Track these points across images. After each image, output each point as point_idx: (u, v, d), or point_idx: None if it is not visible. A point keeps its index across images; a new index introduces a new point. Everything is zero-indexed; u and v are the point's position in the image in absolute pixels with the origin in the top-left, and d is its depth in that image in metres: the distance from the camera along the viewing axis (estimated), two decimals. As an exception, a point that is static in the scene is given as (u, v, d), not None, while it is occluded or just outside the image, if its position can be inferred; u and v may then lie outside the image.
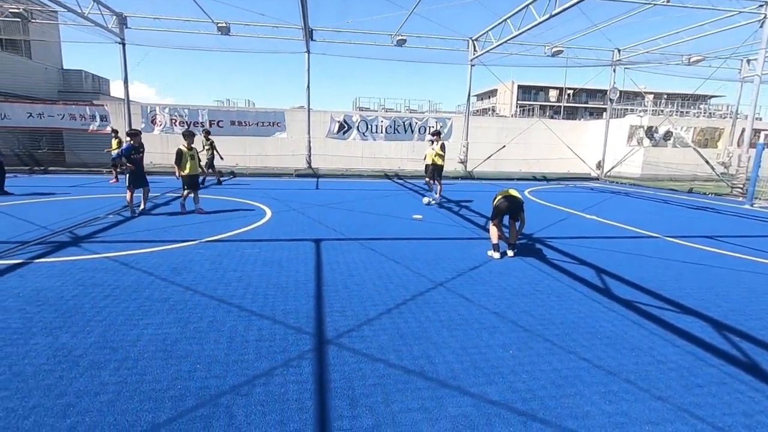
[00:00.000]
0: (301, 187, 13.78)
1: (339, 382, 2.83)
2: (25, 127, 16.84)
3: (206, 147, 12.71)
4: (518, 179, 18.44)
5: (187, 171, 8.45)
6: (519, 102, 55.50)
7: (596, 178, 20.04)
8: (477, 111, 57.34)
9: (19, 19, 15.88)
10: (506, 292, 4.59)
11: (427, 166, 10.99)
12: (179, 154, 8.43)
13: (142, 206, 8.49)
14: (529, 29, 13.12)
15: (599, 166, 20.43)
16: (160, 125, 17.03)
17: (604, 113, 20.50)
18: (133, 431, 2.30)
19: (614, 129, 20.46)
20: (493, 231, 6.00)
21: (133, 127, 8.03)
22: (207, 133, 13.26)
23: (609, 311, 4.16)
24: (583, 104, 57.85)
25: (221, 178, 14.10)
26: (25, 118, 16.49)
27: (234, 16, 15.63)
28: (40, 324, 3.50)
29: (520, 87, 56.74)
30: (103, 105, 17.49)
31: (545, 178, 19.02)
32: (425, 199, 10.95)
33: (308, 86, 17.08)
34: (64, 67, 24.23)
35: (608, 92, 19.46)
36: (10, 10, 15.41)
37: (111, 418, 2.39)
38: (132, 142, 8.25)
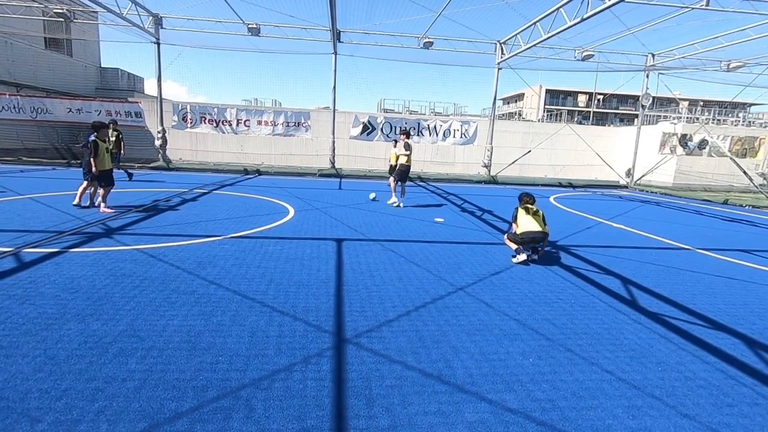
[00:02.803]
0: (325, 187, 13.91)
1: (357, 382, 2.84)
2: (65, 122, 17.58)
3: (112, 139, 11.42)
4: (543, 185, 18.11)
5: (103, 166, 7.79)
6: (546, 106, 54.50)
7: (625, 186, 19.48)
8: (503, 115, 56.67)
9: (62, 19, 16.63)
10: (528, 299, 4.52)
11: (391, 166, 11.03)
12: (96, 147, 7.67)
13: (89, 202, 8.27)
14: (559, 33, 12.89)
15: (629, 173, 19.85)
16: (191, 123, 17.52)
17: (636, 119, 19.91)
18: (157, 418, 2.38)
19: (646, 136, 19.85)
20: (511, 245, 6.06)
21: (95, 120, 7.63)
22: (114, 123, 12.11)
23: (635, 323, 4.04)
24: (614, 110, 56.38)
25: (129, 171, 13.20)
26: (65, 114, 17.23)
27: (264, 18, 15.97)
28: (73, 311, 3.66)
29: (547, 91, 55.76)
30: (137, 102, 18.12)
31: (571, 185, 18.62)
32: (371, 195, 11.41)
33: (334, 87, 17.25)
34: (102, 65, 25.27)
35: (640, 98, 18.90)
36: (55, 11, 16.16)
37: (137, 405, 2.48)
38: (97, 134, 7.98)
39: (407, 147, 10.07)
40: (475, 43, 17.28)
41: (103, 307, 3.75)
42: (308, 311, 3.92)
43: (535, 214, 6.06)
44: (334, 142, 17.60)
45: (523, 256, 5.84)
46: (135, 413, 2.41)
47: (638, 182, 19.61)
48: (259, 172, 17.03)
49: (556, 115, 47.92)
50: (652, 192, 17.83)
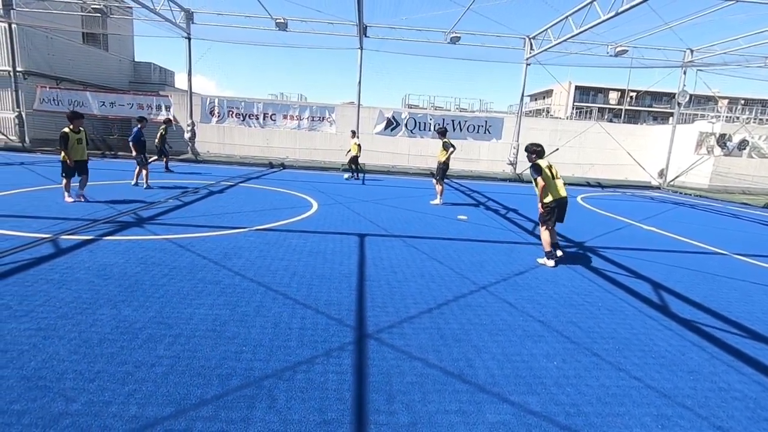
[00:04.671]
0: (348, 182, 13.97)
1: (377, 377, 2.85)
2: (99, 115, 18.22)
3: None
4: (570, 184, 17.64)
5: (75, 156, 7.80)
6: (575, 103, 53.09)
7: (657, 187, 18.80)
8: (530, 112, 55.53)
9: (99, 15, 17.21)
10: (553, 301, 4.42)
11: (353, 157, 14.10)
12: (65, 138, 7.61)
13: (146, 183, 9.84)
14: (592, 27, 12.49)
15: (662, 174, 19.14)
16: (219, 116, 17.88)
17: (671, 118, 19.16)
18: (183, 404, 2.44)
19: (681, 135, 19.07)
20: (546, 236, 5.72)
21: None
22: (170, 120, 14.19)
23: (665, 329, 3.90)
24: (647, 108, 54.40)
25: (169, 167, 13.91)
26: (99, 107, 17.87)
27: (292, 12, 16.06)
28: (106, 297, 3.80)
29: (577, 88, 54.27)
30: (168, 96, 18.61)
31: (600, 185, 18.10)
32: (346, 175, 14.47)
33: (359, 82, 17.27)
34: (136, 60, 26.07)
35: (676, 96, 18.15)
36: (93, 6, 16.73)
37: (164, 390, 2.55)
38: (140, 127, 9.87)
39: (445, 146, 9.94)
40: (503, 38, 16.94)
41: (133, 294, 3.88)
42: (330, 305, 3.95)
43: (557, 172, 5.79)
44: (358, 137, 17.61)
45: (551, 262, 5.64)
46: (163, 398, 2.48)
47: (672, 183, 18.89)
48: (283, 166, 17.25)
49: (586, 112, 46.61)
50: (686, 194, 17.15)
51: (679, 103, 18.32)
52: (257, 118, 17.88)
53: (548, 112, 52.18)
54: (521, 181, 17.48)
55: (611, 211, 11.02)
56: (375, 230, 7.07)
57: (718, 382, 3.07)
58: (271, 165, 17.27)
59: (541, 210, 5.74)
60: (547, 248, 5.71)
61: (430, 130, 17.50)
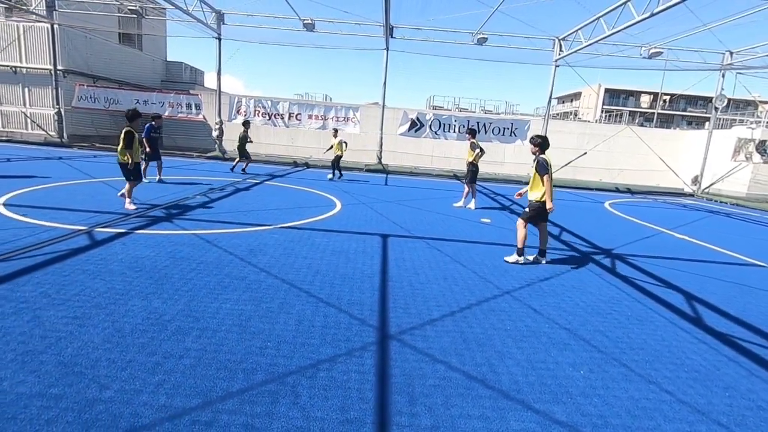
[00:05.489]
0: (370, 182, 14.01)
1: (399, 378, 2.84)
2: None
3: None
4: (597, 189, 17.22)
5: (135, 158, 7.18)
6: (605, 106, 51.72)
7: (690, 195, 18.11)
8: (557, 114, 54.45)
9: (134, 16, 17.83)
10: (579, 308, 4.31)
11: (337, 156, 13.63)
12: (131, 138, 7.03)
13: (158, 176, 10.09)
14: (625, 28, 12.13)
15: (695, 181, 18.43)
16: (244, 115, 18.22)
17: (707, 123, 18.43)
18: (210, 395, 2.50)
19: (718, 141, 18.32)
20: (522, 233, 5.72)
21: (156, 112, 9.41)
22: (247, 124, 14.09)
23: (699, 343, 3.75)
24: (681, 112, 52.50)
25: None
26: (132, 104, 18.47)
27: (319, 13, 16.23)
28: (138, 288, 3.92)
29: (607, 90, 52.87)
30: (197, 95, 19.10)
31: (629, 191, 17.57)
32: (329, 175, 13.84)
33: (384, 83, 17.28)
34: (168, 59, 26.87)
35: (714, 100, 17.45)
36: (129, 8, 17.34)
37: (192, 381, 2.62)
38: (154, 123, 9.80)
39: (473, 146, 9.80)
40: (531, 39, 16.65)
41: (163, 287, 4.00)
42: (353, 304, 3.96)
43: None
44: (381, 138, 17.66)
45: (522, 260, 5.70)
46: (190, 389, 2.54)
47: (706, 191, 18.17)
48: (307, 165, 17.44)
49: (616, 115, 45.37)
50: (721, 202, 16.45)
51: (716, 108, 17.60)
52: (282, 118, 18.14)
53: (576, 115, 51.04)
54: (547, 185, 17.13)
55: (641, 218, 10.68)
56: (398, 231, 7.07)
57: (757, 400, 2.93)
58: (295, 164, 17.50)
59: (550, 207, 5.64)
60: (521, 245, 5.70)
61: (454, 131, 17.38)
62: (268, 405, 2.46)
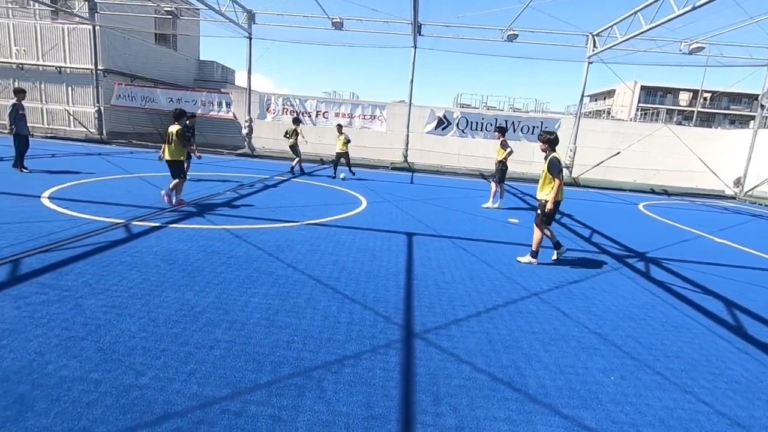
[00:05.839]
0: (396, 180, 14.01)
1: (424, 377, 2.83)
2: (167, 110, 19.43)
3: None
4: (631, 190, 16.62)
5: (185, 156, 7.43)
6: (640, 104, 49.87)
7: (732, 197, 17.23)
8: (589, 113, 52.89)
9: (170, 17, 18.41)
10: (611, 313, 4.18)
11: (337, 153, 12.95)
12: (185, 136, 7.28)
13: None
14: (664, 23, 11.64)
15: (738, 183, 17.52)
16: (274, 113, 18.54)
17: (752, 122, 17.46)
18: (238, 386, 2.56)
19: (763, 141, 17.34)
20: (540, 237, 5.63)
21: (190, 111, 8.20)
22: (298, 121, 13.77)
23: (740, 353, 3.57)
24: (723, 110, 50.00)
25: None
26: (167, 103, 19.10)
27: (348, 12, 16.31)
28: (171, 280, 4.06)
29: (643, 88, 50.96)
30: (229, 93, 19.56)
31: (666, 192, 16.88)
32: (341, 175, 12.74)
33: (411, 81, 17.22)
34: (201, 59, 27.65)
35: (760, 97, 16.52)
36: (165, 9, 17.93)
37: (221, 372, 2.69)
38: (188, 122, 8.70)
39: (503, 144, 9.59)
40: (564, 35, 16.22)
41: (195, 279, 4.12)
42: (378, 302, 3.98)
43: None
44: (408, 136, 17.61)
45: (536, 261, 5.62)
46: (220, 379, 2.62)
47: (749, 193, 17.24)
48: (325, 162, 17.58)
49: (652, 114, 43.67)
50: (766, 205, 15.58)
51: (762, 106, 16.66)
52: (310, 116, 18.35)
53: (609, 113, 49.42)
54: (577, 185, 16.68)
55: (678, 221, 10.24)
56: (423, 230, 7.04)
57: (803, 416, 2.76)
58: (322, 161, 17.68)
59: (550, 207, 5.50)
60: (536, 247, 5.61)
61: (482, 130, 17.14)
62: (294, 398, 2.50)
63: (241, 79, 29.36)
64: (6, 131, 10.59)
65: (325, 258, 5.12)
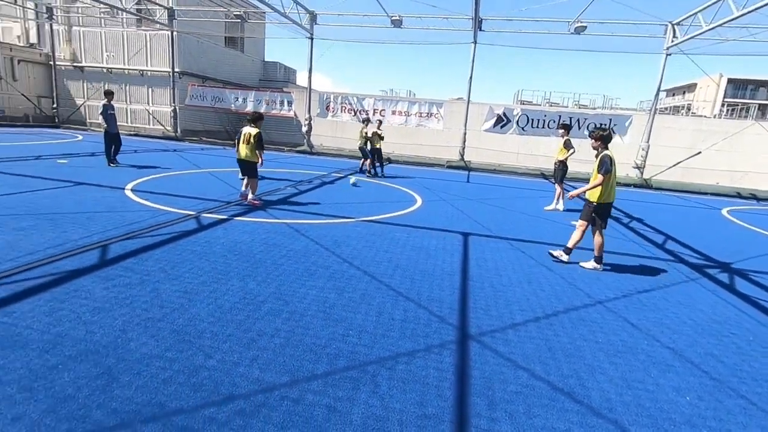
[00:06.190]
0: (452, 179, 13.82)
1: (479, 380, 2.78)
2: (234, 110, 20.59)
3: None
4: (713, 194, 15.12)
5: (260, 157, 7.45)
6: (726, 99, 45.21)
7: (837, 204, 15.11)
8: (665, 109, 48.85)
9: (239, 20, 19.46)
10: (687, 327, 3.84)
11: (373, 149, 12.46)
12: (261, 138, 7.37)
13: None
14: (760, 8, 10.44)
15: None
16: (333, 112, 19.00)
17: None
18: (297, 374, 2.66)
19: None
20: (599, 239, 5.32)
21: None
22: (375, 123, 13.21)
23: None
24: (828, 105, 44.00)
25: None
26: (234, 102, 20.22)
27: (407, 9, 16.33)
28: (236, 270, 4.31)
29: (730, 81, 46.13)
30: (290, 92, 20.33)
31: (755, 197, 15.17)
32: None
33: (470, 77, 16.88)
34: (265, 60, 28.97)
35: None
36: (234, 13, 18.98)
37: (281, 359, 2.81)
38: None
39: (567, 144, 9.10)
40: (639, 25, 15.08)
41: (257, 270, 4.34)
42: (432, 301, 3.95)
43: None
44: (465, 134, 17.30)
45: (566, 257, 5.40)
46: (280, 366, 2.73)
47: None
48: (389, 161, 17.70)
49: (741, 110, 39.42)
50: None
51: None
52: (367, 114, 18.57)
53: (689, 109, 45.30)
54: (649, 188, 15.48)
55: (769, 229, 9.17)
56: (479, 230, 6.89)
57: None
58: (377, 159, 17.85)
59: (594, 204, 5.22)
60: (599, 252, 5.28)
61: (544, 127, 16.42)
62: (349, 390, 2.56)
63: (301, 79, 30.43)
64: (99, 129, 11.78)
65: (380, 255, 5.17)
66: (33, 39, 22.69)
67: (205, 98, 20.41)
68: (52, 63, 22.04)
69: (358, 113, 18.44)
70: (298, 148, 19.09)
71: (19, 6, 21.67)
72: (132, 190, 7.74)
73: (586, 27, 14.87)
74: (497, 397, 2.62)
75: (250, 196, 7.45)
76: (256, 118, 7.47)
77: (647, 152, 15.86)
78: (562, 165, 9.35)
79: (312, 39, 18.36)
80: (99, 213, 5.98)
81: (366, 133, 12.48)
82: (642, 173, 16.06)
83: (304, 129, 19.30)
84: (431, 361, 2.95)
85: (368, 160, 12.72)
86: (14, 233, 4.84)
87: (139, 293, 3.59)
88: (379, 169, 12.87)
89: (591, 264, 5.32)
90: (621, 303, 4.29)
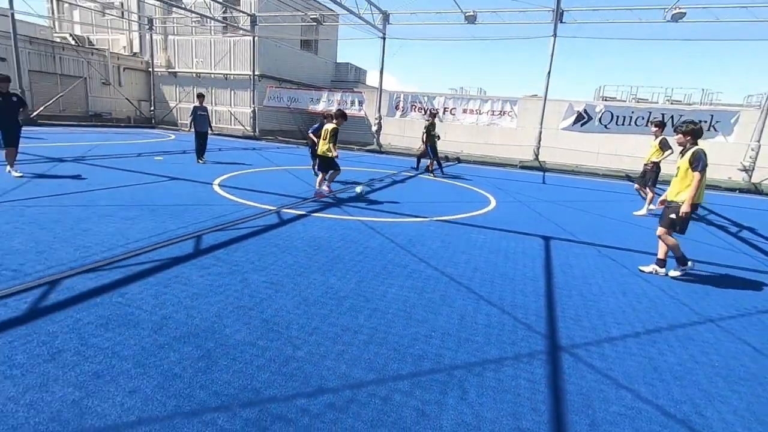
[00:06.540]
0: (526, 180, 13.21)
1: (576, 396, 2.56)
2: (308, 110, 21.40)
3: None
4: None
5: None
6: None
7: None
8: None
9: (315, 23, 20.19)
10: (827, 356, 3.27)
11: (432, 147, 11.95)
12: (336, 132, 7.54)
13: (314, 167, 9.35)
14: None
15: None
16: (402, 111, 19.03)
17: None
18: (383, 372, 2.64)
19: None
20: (671, 241, 4.76)
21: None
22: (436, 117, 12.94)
23: None
24: None
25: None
26: (308, 102, 21.01)
27: (482, 5, 15.87)
28: (317, 265, 4.41)
29: None
30: (361, 92, 20.70)
31: None
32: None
33: (548, 73, 16.00)
34: (337, 61, 29.80)
35: None
36: (311, 17, 19.70)
37: (366, 356, 2.80)
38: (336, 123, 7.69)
39: (664, 145, 8.22)
40: (751, 8, 13.33)
41: (336, 266, 4.41)
42: (516, 307, 3.75)
43: None
44: (540, 133, 16.46)
45: (662, 271, 4.82)
46: (365, 363, 2.73)
47: None
48: (458, 160, 17.37)
49: None
50: None
51: None
52: (438, 112, 18.33)
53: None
54: (759, 193, 13.64)
55: None
56: (561, 234, 6.47)
57: None
58: (446, 158, 17.57)
59: (686, 210, 4.54)
60: (678, 253, 4.70)
61: (630, 125, 15.12)
62: (437, 394, 2.48)
63: (370, 79, 30.87)
64: (186, 130, 12.84)
65: (457, 256, 5.03)
66: (135, 48, 25.32)
67: (282, 99, 21.43)
68: (150, 69, 24.46)
69: (427, 112, 18.26)
70: (368, 147, 19.38)
71: (126, 19, 24.29)
72: (219, 185, 8.30)
73: (685, 14, 13.45)
74: (599, 418, 2.39)
75: (324, 186, 7.69)
76: (338, 115, 7.66)
77: (757, 153, 13.99)
78: (655, 167, 8.52)
79: (384, 39, 18.52)
80: (191, 206, 6.47)
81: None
82: (750, 176, 14.20)
83: (374, 128, 19.55)
84: (521, 371, 2.78)
85: (432, 160, 12.35)
86: (123, 222, 5.37)
87: (231, 282, 3.80)
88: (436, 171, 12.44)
89: (677, 272, 4.80)
90: (738, 323, 3.77)
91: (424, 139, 12.06)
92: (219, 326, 3.04)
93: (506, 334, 3.25)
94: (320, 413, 2.24)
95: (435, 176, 12.17)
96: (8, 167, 7.72)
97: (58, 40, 23.04)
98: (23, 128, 7.99)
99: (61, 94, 20.44)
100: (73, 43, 23.01)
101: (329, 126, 7.55)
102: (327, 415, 2.24)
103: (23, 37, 18.40)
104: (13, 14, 16.43)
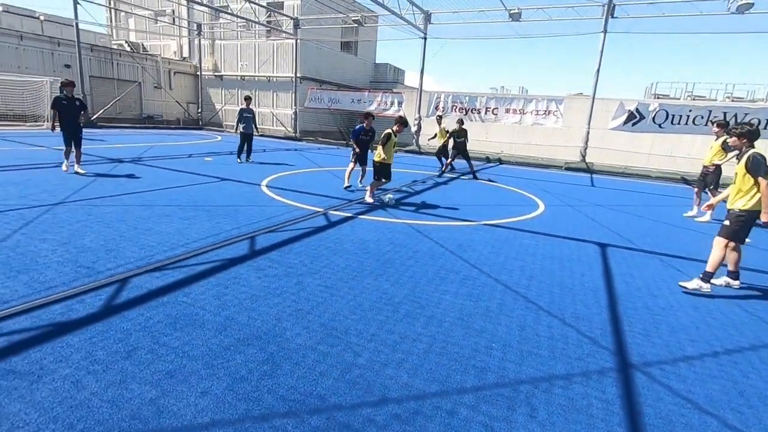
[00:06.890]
0: (573, 182, 12.72)
1: (655, 420, 2.40)
2: (348, 111, 21.60)
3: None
4: None
5: (389, 159, 7.61)
6: None
7: None
8: None
9: (356, 25, 20.33)
10: None
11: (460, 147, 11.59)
12: (389, 137, 7.49)
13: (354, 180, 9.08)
14: None
15: None
16: (442, 111, 18.82)
17: None
18: (446, 385, 2.57)
19: None
20: (720, 254, 4.35)
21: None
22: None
23: None
24: None
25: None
26: (349, 103, 21.19)
27: (527, 1, 15.44)
28: (368, 269, 4.40)
29: None
30: (401, 93, 20.66)
31: None
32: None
33: (598, 70, 15.34)
34: (376, 62, 29.91)
35: None
36: (353, 18, 19.86)
37: (427, 366, 2.75)
38: (365, 124, 8.41)
39: (726, 146, 7.60)
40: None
41: (388, 270, 4.39)
42: (578, 319, 3.58)
43: None
44: (588, 133, 15.81)
45: (708, 287, 4.29)
46: (427, 373, 2.67)
47: None
48: (500, 161, 16.99)
49: None
50: None
51: None
52: (479, 113, 18.03)
53: None
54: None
55: None
56: (617, 241, 6.16)
57: None
58: (488, 159, 17.25)
59: (743, 217, 4.19)
60: (712, 268, 4.25)
61: (687, 124, 14.24)
62: (504, 410, 2.39)
63: (409, 80, 30.78)
64: (233, 131, 13.29)
65: (509, 262, 4.89)
66: (185, 53, 26.49)
67: (322, 101, 21.74)
68: (198, 73, 25.50)
69: (470, 112, 17.99)
70: (407, 148, 19.31)
71: (176, 25, 25.44)
72: (267, 186, 8.50)
73: (752, 4, 12.49)
74: (684, 446, 2.22)
75: (367, 195, 7.68)
76: (397, 121, 7.61)
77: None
78: (717, 169, 7.96)
79: (425, 39, 18.40)
80: (243, 207, 6.65)
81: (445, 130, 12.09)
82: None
83: (414, 129, 19.45)
84: (592, 389, 2.64)
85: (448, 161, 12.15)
86: (181, 222, 5.59)
87: (287, 284, 3.85)
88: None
89: (737, 283, 4.42)
90: (831, 345, 3.42)
91: (445, 142, 12.15)
92: (279, 329, 3.08)
93: (571, 348, 3.11)
94: (386, 424, 2.21)
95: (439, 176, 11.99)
96: (76, 166, 8.30)
97: (115, 47, 24.47)
98: (84, 130, 8.61)
99: (118, 97, 21.69)
100: (128, 49, 24.36)
101: (388, 131, 7.50)
102: (393, 426, 2.20)
103: (85, 44, 19.65)
104: (77, 24, 17.60)
